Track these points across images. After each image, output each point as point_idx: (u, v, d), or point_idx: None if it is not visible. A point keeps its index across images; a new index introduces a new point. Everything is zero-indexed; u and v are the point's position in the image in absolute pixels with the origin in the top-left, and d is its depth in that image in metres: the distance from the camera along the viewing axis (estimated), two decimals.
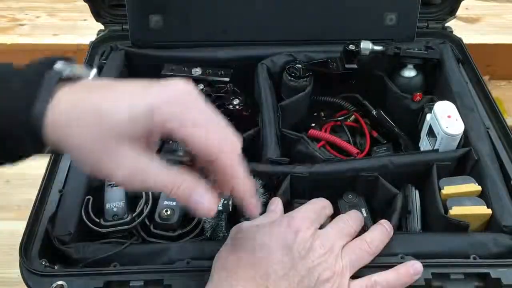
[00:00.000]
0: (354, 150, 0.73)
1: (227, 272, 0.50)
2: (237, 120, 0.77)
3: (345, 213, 0.59)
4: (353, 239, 0.55)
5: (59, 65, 0.45)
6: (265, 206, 0.64)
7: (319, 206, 0.57)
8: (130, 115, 0.42)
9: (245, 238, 0.52)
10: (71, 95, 0.43)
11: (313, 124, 0.79)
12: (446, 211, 0.61)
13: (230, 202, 0.62)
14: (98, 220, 0.60)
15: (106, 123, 0.42)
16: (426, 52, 0.79)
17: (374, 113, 0.80)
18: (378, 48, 0.79)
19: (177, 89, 0.44)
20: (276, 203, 0.60)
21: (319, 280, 0.50)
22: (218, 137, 0.44)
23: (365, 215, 0.66)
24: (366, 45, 0.78)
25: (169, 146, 0.76)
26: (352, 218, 0.57)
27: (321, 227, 0.55)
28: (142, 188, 0.49)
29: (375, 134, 0.79)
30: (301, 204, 0.58)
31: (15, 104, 0.43)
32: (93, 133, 0.42)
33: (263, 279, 0.49)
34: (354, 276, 0.54)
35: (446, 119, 0.66)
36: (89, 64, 0.80)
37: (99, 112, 0.42)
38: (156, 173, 0.43)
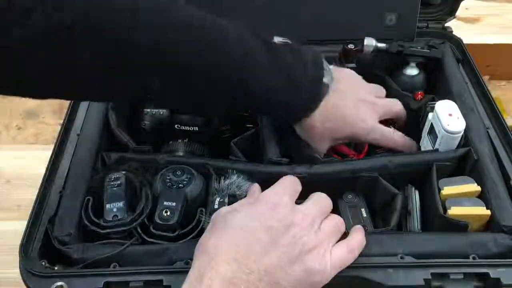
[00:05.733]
0: (350, 152, 0.73)
1: (208, 255, 0.50)
2: (237, 120, 0.77)
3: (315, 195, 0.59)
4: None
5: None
6: None
7: (288, 182, 0.58)
8: None
9: (224, 221, 0.53)
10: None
11: None
12: (445, 211, 0.61)
13: (227, 201, 0.62)
14: (98, 221, 0.60)
15: None
16: (429, 50, 0.79)
17: None
18: (381, 45, 0.79)
19: None
20: (254, 189, 0.60)
21: (303, 251, 0.52)
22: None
23: (365, 215, 0.66)
24: (370, 42, 0.78)
25: (169, 146, 0.76)
26: (325, 197, 0.58)
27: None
28: None
29: None
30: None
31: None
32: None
33: (244, 258, 0.49)
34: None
35: (447, 117, 0.66)
36: None
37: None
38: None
